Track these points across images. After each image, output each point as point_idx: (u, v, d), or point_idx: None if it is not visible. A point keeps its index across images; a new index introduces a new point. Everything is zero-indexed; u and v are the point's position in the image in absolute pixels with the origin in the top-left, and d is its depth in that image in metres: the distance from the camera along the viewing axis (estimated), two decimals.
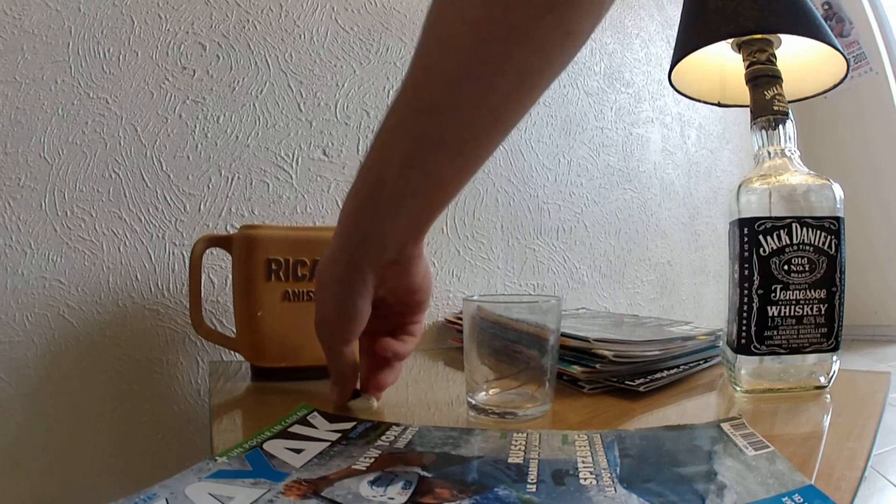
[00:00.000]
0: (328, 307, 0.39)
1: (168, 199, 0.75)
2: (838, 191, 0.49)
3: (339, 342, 0.40)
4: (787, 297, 0.48)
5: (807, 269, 0.48)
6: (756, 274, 0.48)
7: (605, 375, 0.53)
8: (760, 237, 0.48)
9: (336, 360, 0.41)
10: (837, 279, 0.48)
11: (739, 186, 0.51)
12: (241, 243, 0.58)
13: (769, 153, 0.52)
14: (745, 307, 0.49)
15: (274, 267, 0.57)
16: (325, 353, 0.41)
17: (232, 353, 0.70)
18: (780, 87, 0.54)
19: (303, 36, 0.85)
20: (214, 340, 0.62)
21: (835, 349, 0.49)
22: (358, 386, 0.45)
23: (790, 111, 0.53)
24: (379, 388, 0.44)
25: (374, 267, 0.36)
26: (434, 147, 0.33)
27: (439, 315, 0.93)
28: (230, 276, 0.71)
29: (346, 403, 0.45)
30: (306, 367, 0.59)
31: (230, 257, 0.61)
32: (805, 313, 0.48)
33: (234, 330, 0.62)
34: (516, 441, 0.38)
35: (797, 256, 0.48)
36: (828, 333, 0.48)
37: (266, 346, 0.58)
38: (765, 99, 0.53)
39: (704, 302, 1.42)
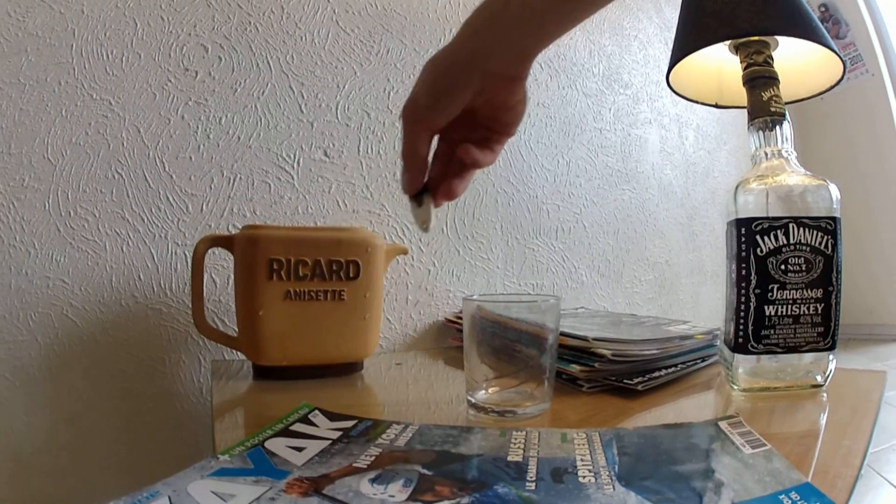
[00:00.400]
0: (424, 88, 0.38)
1: (170, 199, 0.75)
2: (835, 191, 0.49)
3: (422, 125, 0.38)
4: (784, 297, 0.48)
5: (803, 268, 0.48)
6: (753, 273, 0.48)
7: (604, 374, 0.53)
8: (758, 237, 0.48)
9: (413, 143, 0.39)
10: (834, 279, 0.48)
11: (737, 187, 0.51)
12: (242, 243, 0.59)
13: (766, 154, 0.52)
14: (743, 306, 0.49)
15: (275, 266, 0.57)
16: (404, 135, 0.39)
17: (234, 352, 0.70)
18: (777, 88, 0.54)
19: (304, 38, 0.85)
20: (216, 339, 0.62)
21: (831, 348, 0.49)
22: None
23: (787, 112, 0.53)
24: (448, 196, 0.41)
25: (482, 73, 0.36)
26: None
27: (439, 314, 0.93)
28: (232, 276, 0.71)
29: (413, 195, 0.41)
30: (307, 366, 0.59)
31: (232, 257, 0.61)
32: (802, 312, 0.48)
33: (236, 329, 0.62)
34: (516, 439, 0.38)
35: (794, 256, 0.48)
36: (824, 332, 0.48)
37: (267, 344, 0.58)
38: (762, 100, 0.53)
39: (702, 301, 1.42)
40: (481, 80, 0.36)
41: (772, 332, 0.48)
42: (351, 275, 0.60)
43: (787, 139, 0.52)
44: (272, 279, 0.57)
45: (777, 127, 0.52)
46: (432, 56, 0.38)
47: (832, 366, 0.49)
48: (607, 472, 0.32)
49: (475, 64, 0.36)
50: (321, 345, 0.60)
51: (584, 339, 0.55)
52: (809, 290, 0.48)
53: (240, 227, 0.64)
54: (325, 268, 0.59)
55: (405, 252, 0.70)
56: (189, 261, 0.73)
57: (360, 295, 0.61)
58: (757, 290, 0.48)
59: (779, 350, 0.48)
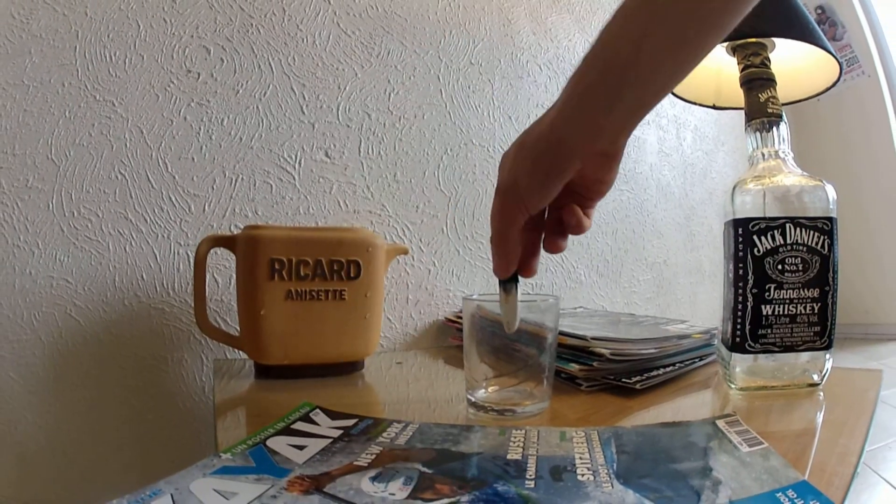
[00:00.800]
0: (522, 171, 0.36)
1: (173, 199, 0.75)
2: (831, 192, 0.49)
3: (520, 207, 0.37)
4: (781, 297, 0.48)
5: (800, 268, 0.48)
6: (750, 273, 0.48)
7: (603, 373, 0.53)
8: (755, 237, 0.48)
9: (509, 226, 0.37)
10: (830, 278, 0.48)
11: (734, 187, 0.51)
12: (244, 243, 0.59)
13: (763, 155, 0.52)
14: (740, 306, 0.49)
15: (277, 266, 0.57)
16: (500, 218, 0.38)
17: (236, 351, 0.70)
18: (774, 90, 0.54)
19: (305, 40, 0.85)
20: (218, 338, 0.62)
21: (828, 347, 0.49)
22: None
23: (784, 114, 0.53)
24: (556, 249, 0.40)
25: (585, 152, 0.35)
26: (664, 35, 0.32)
27: (439, 314, 0.93)
28: (234, 276, 0.71)
29: (504, 280, 0.40)
30: (308, 365, 0.59)
31: (234, 257, 0.61)
32: (798, 312, 0.48)
33: (238, 328, 0.62)
34: (515, 438, 0.38)
35: (791, 256, 0.48)
36: (821, 332, 0.48)
37: (269, 343, 0.58)
38: (759, 102, 0.53)
39: (700, 301, 1.42)
40: (583, 160, 0.35)
41: (769, 331, 0.48)
42: (352, 274, 0.60)
43: (784, 140, 0.52)
44: (273, 279, 0.57)
45: (774, 128, 0.52)
46: (526, 132, 0.37)
47: (829, 365, 0.49)
48: (606, 471, 0.32)
49: (579, 145, 0.34)
50: (322, 344, 0.60)
51: (583, 338, 0.55)
52: (806, 290, 0.48)
53: (242, 227, 0.64)
54: (326, 268, 0.59)
55: (405, 252, 0.70)
56: (191, 261, 0.73)
57: (360, 294, 0.61)
58: (754, 290, 0.48)
59: (776, 349, 0.48)
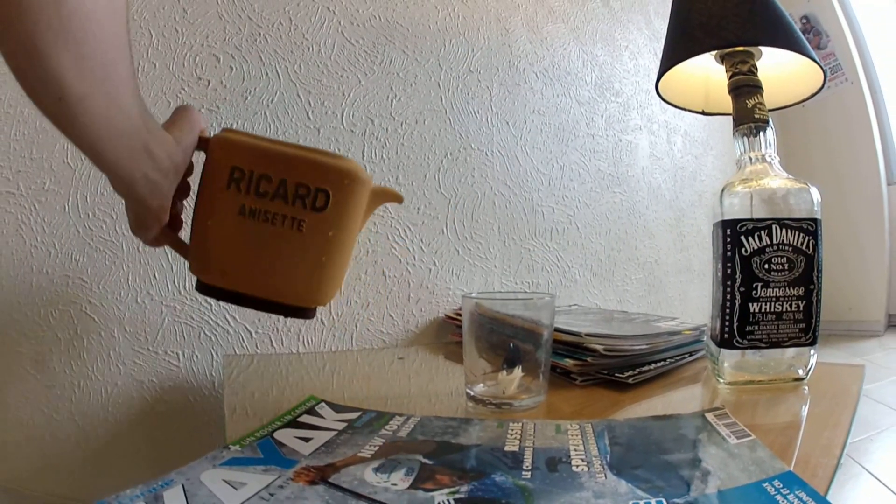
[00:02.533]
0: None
1: (185, 201, 0.74)
2: (816, 194, 0.49)
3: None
4: (768, 295, 0.48)
5: (786, 267, 0.48)
6: (738, 272, 0.48)
7: (596, 368, 0.53)
8: (742, 238, 0.48)
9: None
10: (815, 277, 0.48)
11: (723, 190, 0.51)
12: (214, 144, 0.49)
13: (751, 158, 0.52)
14: (728, 304, 0.49)
15: (236, 175, 0.47)
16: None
17: (245, 346, 0.70)
18: (761, 96, 0.54)
19: (311, 48, 0.85)
20: (171, 244, 0.52)
21: (812, 343, 0.49)
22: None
23: (770, 119, 0.53)
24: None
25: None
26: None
27: (439, 311, 0.93)
28: None
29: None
30: (247, 296, 0.49)
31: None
32: (784, 309, 0.48)
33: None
34: (512, 430, 0.38)
35: (777, 256, 0.48)
36: (806, 328, 0.48)
37: (208, 259, 0.49)
38: (746, 108, 0.53)
39: (689, 299, 1.42)
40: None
41: (756, 328, 0.48)
42: (317, 205, 0.47)
43: (770, 144, 0.52)
44: (230, 189, 0.47)
45: (761, 133, 0.52)
46: None
47: (813, 360, 0.49)
48: (600, 462, 0.32)
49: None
50: (266, 276, 0.49)
51: (578, 334, 0.55)
52: (792, 288, 0.48)
53: None
54: (289, 190, 0.47)
55: (399, 200, 0.54)
56: None
57: (322, 232, 0.48)
58: (742, 288, 0.48)
59: (762, 345, 0.48)
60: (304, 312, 0.51)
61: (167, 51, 0.74)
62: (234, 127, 0.63)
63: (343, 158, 0.49)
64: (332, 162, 0.48)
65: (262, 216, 0.47)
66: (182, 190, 0.45)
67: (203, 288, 0.50)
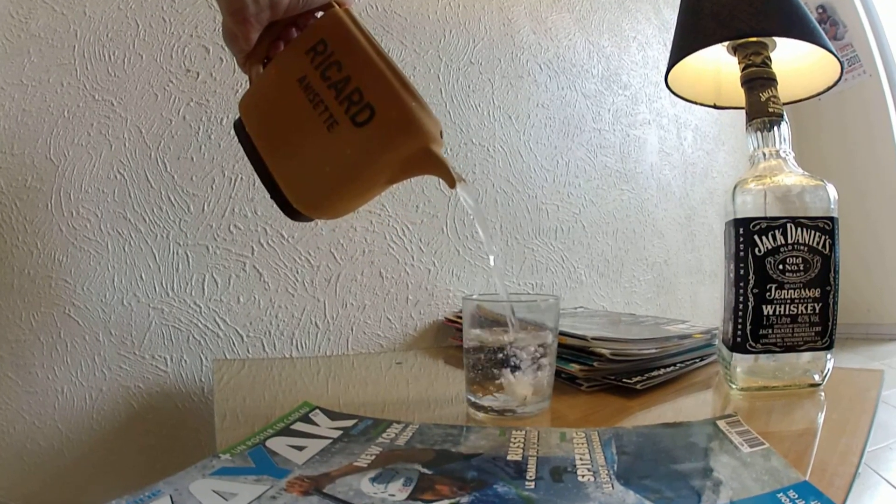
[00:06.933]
0: None
1: (172, 199, 0.75)
2: (832, 191, 0.49)
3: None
4: (782, 297, 0.48)
5: (801, 268, 0.48)
6: (751, 273, 0.48)
7: (603, 373, 0.53)
8: (756, 237, 0.48)
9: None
10: (831, 278, 0.48)
11: (735, 187, 0.51)
12: (327, 13, 0.48)
13: (764, 154, 0.52)
14: (741, 306, 0.49)
15: (319, 48, 0.46)
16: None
17: (235, 350, 0.70)
18: (775, 89, 0.54)
19: None
20: (252, 77, 0.50)
21: (829, 347, 0.49)
22: None
23: (785, 113, 0.53)
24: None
25: None
26: None
27: (439, 314, 0.93)
28: (233, 276, 0.71)
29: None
30: (261, 159, 0.50)
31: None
32: (799, 312, 0.48)
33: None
34: (515, 438, 0.38)
35: (792, 256, 0.48)
36: (822, 332, 0.48)
37: (257, 106, 0.51)
38: (760, 101, 0.53)
39: (700, 301, 1.42)
40: None
41: (770, 331, 0.48)
42: (358, 119, 0.44)
43: (784, 140, 0.52)
44: (308, 54, 0.46)
45: (775, 127, 0.52)
46: None
47: (830, 365, 0.49)
48: (606, 471, 0.32)
49: None
50: (277, 151, 0.49)
51: (584, 338, 0.55)
52: (807, 290, 0.48)
53: (241, 227, 0.64)
54: (347, 88, 0.45)
55: (451, 184, 0.45)
56: (191, 261, 0.73)
57: (344, 143, 0.45)
58: (755, 290, 0.48)
59: (777, 349, 0.48)
60: (293, 213, 0.48)
61: (154, 41, 0.74)
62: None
63: (421, 109, 0.46)
64: (405, 98, 0.45)
65: (312, 95, 0.45)
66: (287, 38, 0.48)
67: (238, 125, 0.50)
